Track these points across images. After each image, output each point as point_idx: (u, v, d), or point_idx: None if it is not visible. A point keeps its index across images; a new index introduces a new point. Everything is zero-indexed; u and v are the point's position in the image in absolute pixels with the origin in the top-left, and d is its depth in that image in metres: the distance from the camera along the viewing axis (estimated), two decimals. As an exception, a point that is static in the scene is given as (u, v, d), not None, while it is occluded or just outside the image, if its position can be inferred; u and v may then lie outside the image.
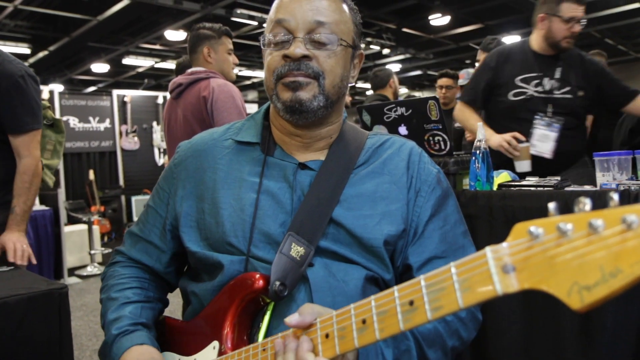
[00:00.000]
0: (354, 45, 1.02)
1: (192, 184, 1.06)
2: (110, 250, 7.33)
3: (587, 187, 1.93)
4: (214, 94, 2.45)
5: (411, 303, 0.59)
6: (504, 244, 0.53)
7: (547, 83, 2.57)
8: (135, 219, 9.09)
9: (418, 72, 13.84)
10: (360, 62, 1.08)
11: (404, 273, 1.00)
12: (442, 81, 4.74)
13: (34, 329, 1.53)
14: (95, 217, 6.43)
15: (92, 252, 6.25)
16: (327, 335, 0.70)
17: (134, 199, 8.91)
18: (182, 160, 1.11)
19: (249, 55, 11.21)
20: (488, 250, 0.53)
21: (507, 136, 2.47)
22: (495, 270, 0.52)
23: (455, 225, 1.03)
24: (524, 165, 2.49)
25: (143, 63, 11.13)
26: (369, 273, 0.95)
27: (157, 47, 9.98)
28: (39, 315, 1.54)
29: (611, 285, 0.45)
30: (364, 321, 0.65)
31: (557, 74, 2.57)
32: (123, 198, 8.90)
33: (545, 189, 1.93)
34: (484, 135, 2.23)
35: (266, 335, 0.90)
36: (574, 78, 2.58)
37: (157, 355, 0.95)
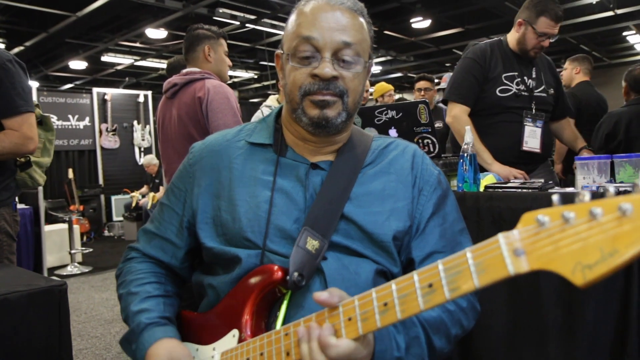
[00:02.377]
0: (369, 59, 1.09)
1: (208, 182, 1.12)
2: (90, 249, 7.28)
3: (570, 189, 2.04)
4: (209, 94, 2.50)
5: (430, 285, 0.67)
6: (515, 231, 0.61)
7: (528, 82, 2.70)
8: (115, 218, 9.02)
9: (399, 75, 14.02)
10: (370, 71, 1.15)
11: (407, 267, 1.08)
12: (421, 84, 4.88)
13: (35, 325, 1.55)
14: (75, 217, 6.38)
15: (73, 251, 6.20)
16: (349, 319, 0.77)
17: (113, 198, 8.85)
18: (197, 160, 1.17)
19: (230, 55, 11.22)
20: (500, 236, 0.61)
21: (516, 173, 2.54)
22: (508, 253, 0.60)
23: (453, 223, 1.12)
24: None
25: (122, 61, 11.04)
26: (378, 267, 1.03)
27: (137, 45, 9.92)
28: (40, 311, 1.57)
29: (610, 264, 0.53)
30: (385, 304, 0.72)
31: (533, 74, 2.71)
32: (102, 197, 8.83)
33: (530, 190, 2.04)
34: (472, 139, 2.34)
35: (284, 323, 0.96)
36: (544, 77, 2.73)
37: (188, 353, 1.00)
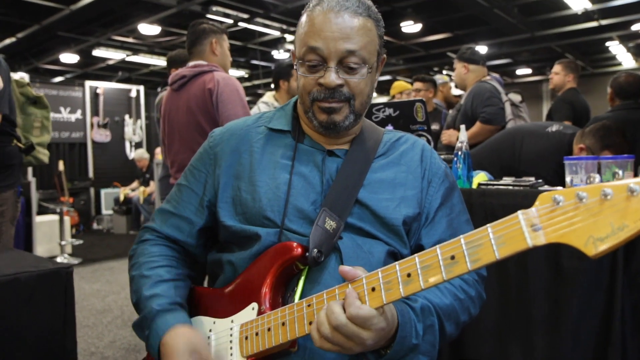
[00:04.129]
0: (378, 56, 1.14)
1: (229, 164, 1.18)
2: (81, 242, 7.24)
3: (559, 188, 2.12)
4: (219, 86, 2.57)
5: (452, 257, 0.73)
6: (533, 209, 0.67)
7: None
8: (104, 211, 8.97)
9: (388, 77, 14.12)
10: (383, 64, 1.20)
11: (416, 251, 1.14)
12: (415, 85, 4.97)
13: (42, 305, 1.59)
14: (66, 208, 6.35)
15: (63, 242, 6.17)
16: (373, 289, 0.83)
17: (103, 191, 8.81)
18: (218, 143, 1.22)
19: (223, 52, 11.19)
20: (519, 213, 0.68)
21: None
22: (526, 229, 0.67)
23: (459, 214, 1.20)
24: None
25: (114, 55, 10.95)
26: (390, 248, 1.09)
27: (130, 40, 9.86)
28: (47, 292, 1.60)
29: (619, 237, 0.60)
30: (408, 274, 0.78)
31: None
32: (92, 190, 8.78)
33: (521, 188, 2.12)
34: (466, 137, 2.41)
35: (301, 298, 1.01)
36: None
37: (200, 338, 1.04)
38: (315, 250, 1.01)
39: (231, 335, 1.04)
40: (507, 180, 2.28)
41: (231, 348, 1.03)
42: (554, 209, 0.65)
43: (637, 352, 1.72)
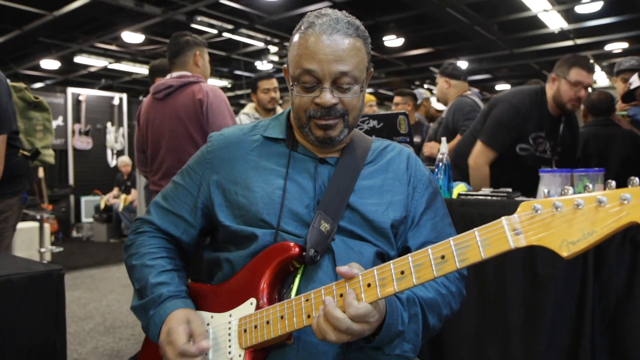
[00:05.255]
0: (367, 71, 1.22)
1: (226, 170, 1.26)
2: (61, 249, 7.16)
3: (534, 199, 2.23)
4: (208, 97, 2.67)
5: (442, 257, 0.82)
6: (515, 215, 0.77)
7: (547, 145, 2.72)
8: (84, 220, 8.88)
9: (370, 90, 14.31)
10: (370, 77, 1.28)
11: (403, 253, 1.23)
12: (395, 99, 5.10)
13: (33, 306, 1.62)
14: (46, 215, 6.29)
15: (42, 250, 6.10)
16: (369, 285, 0.91)
17: (83, 199, 8.73)
18: (215, 149, 1.30)
19: (206, 62, 11.21)
20: (503, 219, 0.77)
21: None
22: (509, 232, 0.76)
23: (443, 217, 1.29)
24: None
25: (96, 63, 10.91)
26: (378, 249, 1.18)
27: (113, 47, 9.84)
28: (39, 293, 1.63)
29: (589, 240, 0.69)
30: (402, 272, 0.87)
31: (558, 136, 2.73)
32: (72, 198, 8.69)
33: (499, 198, 2.22)
34: (447, 149, 2.51)
35: (297, 294, 1.09)
36: (564, 137, 2.76)
37: (198, 317, 1.13)
38: (312, 250, 1.09)
39: (229, 328, 1.10)
40: (485, 190, 2.38)
41: (229, 340, 1.09)
42: (533, 216, 0.74)
43: (605, 355, 1.82)
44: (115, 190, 8.50)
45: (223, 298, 1.16)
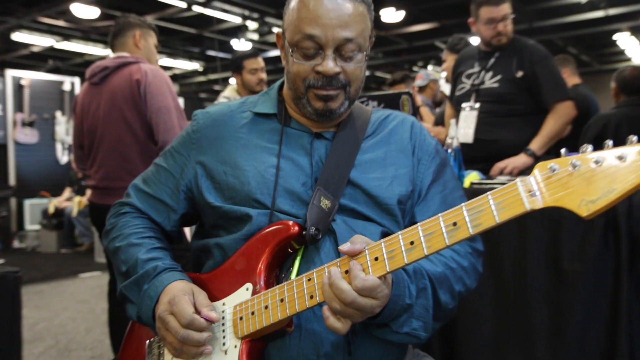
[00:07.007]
0: (370, 40, 1.30)
1: (214, 150, 1.33)
2: (1, 261, 7.14)
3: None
4: (147, 77, 2.78)
5: (455, 224, 0.89)
6: (530, 177, 0.85)
7: (481, 76, 3.18)
8: (28, 226, 8.86)
9: (366, 73, 14.38)
10: (372, 45, 1.36)
11: None
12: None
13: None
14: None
15: (-21, 262, 6.11)
16: (376, 259, 0.98)
17: (27, 202, 8.71)
18: (200, 128, 1.38)
19: (172, 42, 11.23)
20: (518, 180, 0.85)
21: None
22: (525, 194, 0.84)
23: (453, 190, 1.37)
24: None
25: (39, 41, 10.83)
26: (383, 229, 1.26)
27: (60, 23, 9.81)
28: (-8, 298, 1.72)
29: (609, 198, 0.77)
30: (411, 242, 0.94)
31: (489, 65, 3.17)
32: (13, 201, 8.67)
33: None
34: (456, 132, 2.60)
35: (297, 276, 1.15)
36: (508, 64, 3.11)
37: (200, 290, 1.21)
38: (313, 228, 1.17)
39: (223, 317, 1.17)
40: (501, 179, 2.47)
41: (224, 330, 1.16)
42: (550, 176, 0.82)
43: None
44: (67, 192, 8.50)
45: (215, 286, 1.23)
